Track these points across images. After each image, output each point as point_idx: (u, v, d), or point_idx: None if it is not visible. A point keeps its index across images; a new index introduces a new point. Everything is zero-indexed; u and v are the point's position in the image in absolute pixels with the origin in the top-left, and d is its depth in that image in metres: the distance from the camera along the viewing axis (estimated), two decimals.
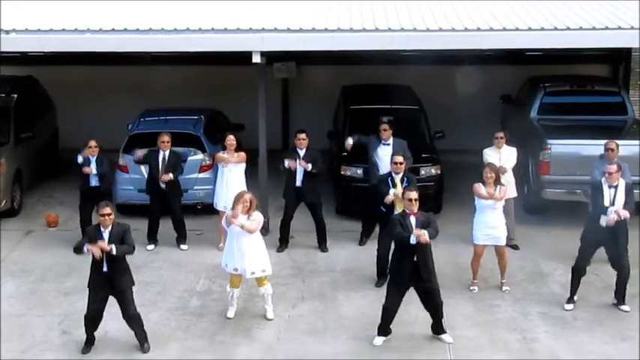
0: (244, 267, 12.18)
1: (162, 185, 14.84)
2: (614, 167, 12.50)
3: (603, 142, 14.24)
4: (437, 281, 11.66)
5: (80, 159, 14.86)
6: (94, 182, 14.84)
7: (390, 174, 13.70)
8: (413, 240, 11.21)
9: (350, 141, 15.39)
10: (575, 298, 12.86)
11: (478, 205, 13.24)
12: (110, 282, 11.24)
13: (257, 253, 12.24)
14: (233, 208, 12.10)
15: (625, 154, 14.35)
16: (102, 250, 11.01)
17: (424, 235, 11.22)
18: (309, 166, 14.61)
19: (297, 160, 14.65)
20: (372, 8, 16.24)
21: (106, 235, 11.12)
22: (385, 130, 14.93)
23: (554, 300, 13.04)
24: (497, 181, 13.17)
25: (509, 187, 14.10)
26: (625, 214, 12.32)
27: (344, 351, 11.67)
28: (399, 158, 13.63)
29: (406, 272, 11.43)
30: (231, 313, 12.59)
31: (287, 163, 14.66)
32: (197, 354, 11.61)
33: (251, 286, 12.85)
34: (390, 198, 13.31)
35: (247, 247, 12.11)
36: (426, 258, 11.42)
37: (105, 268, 11.13)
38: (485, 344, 11.84)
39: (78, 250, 11.47)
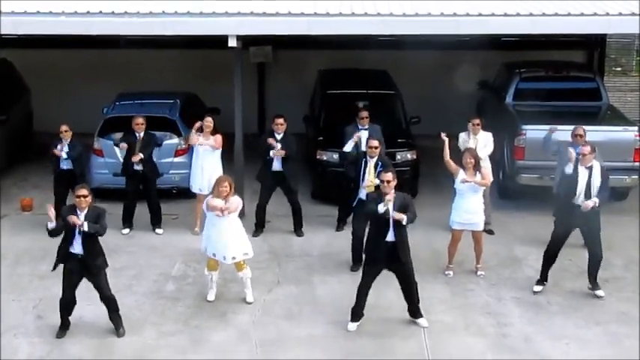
0: (223, 253, 12.17)
1: (138, 167, 14.79)
2: (587, 148, 12.45)
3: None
4: (412, 263, 11.67)
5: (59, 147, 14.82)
6: (64, 165, 14.77)
7: (365, 156, 13.70)
8: (381, 209, 11.23)
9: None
10: (546, 283, 12.94)
11: (458, 189, 13.25)
12: (84, 265, 11.19)
13: (237, 236, 12.23)
14: (212, 192, 12.08)
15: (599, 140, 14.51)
16: (74, 225, 10.95)
17: (403, 219, 11.26)
18: (283, 152, 14.59)
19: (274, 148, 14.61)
20: None
21: (81, 217, 11.04)
22: (365, 117, 14.93)
23: (528, 285, 13.11)
24: (476, 166, 13.18)
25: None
26: (596, 201, 12.32)
27: (319, 335, 11.70)
28: (374, 142, 13.62)
29: (382, 253, 11.45)
30: (211, 296, 12.58)
31: (272, 153, 14.61)
32: (172, 338, 11.59)
33: (225, 271, 12.83)
34: (366, 184, 13.34)
35: (226, 232, 12.08)
36: (402, 240, 11.45)
37: (79, 251, 11.10)
38: (459, 328, 11.91)
39: (53, 233, 11.33)
